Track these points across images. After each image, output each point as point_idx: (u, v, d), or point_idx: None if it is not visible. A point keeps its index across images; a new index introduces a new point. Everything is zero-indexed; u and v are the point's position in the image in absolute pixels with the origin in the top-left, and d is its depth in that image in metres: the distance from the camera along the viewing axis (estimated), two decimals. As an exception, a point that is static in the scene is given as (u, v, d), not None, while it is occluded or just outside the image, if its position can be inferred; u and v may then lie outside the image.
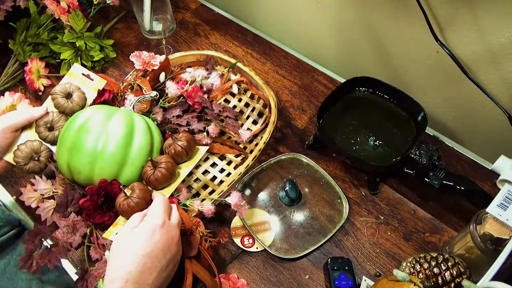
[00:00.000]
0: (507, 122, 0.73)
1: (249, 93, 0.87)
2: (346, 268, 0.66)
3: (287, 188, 0.73)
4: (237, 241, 0.71)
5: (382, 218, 0.74)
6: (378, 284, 0.58)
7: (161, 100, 0.75)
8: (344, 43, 0.94)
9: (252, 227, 0.71)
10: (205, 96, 0.77)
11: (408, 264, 0.62)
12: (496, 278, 0.52)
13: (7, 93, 0.87)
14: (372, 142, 0.76)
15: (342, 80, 0.90)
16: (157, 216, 0.53)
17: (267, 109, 0.83)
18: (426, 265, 0.60)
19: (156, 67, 0.79)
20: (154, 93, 0.72)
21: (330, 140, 0.75)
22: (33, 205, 0.62)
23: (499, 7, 0.65)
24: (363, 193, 0.77)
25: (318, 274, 0.68)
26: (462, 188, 0.68)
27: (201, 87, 0.78)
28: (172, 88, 0.73)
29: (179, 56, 0.85)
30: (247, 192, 0.75)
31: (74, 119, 0.62)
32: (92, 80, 0.72)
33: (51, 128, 0.67)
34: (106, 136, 0.60)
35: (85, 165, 0.60)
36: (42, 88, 0.91)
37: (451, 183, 0.69)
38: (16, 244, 0.65)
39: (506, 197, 0.58)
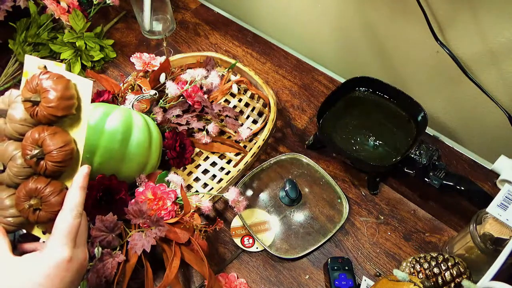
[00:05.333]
0: (507, 122, 0.73)
1: (249, 93, 0.87)
2: (346, 268, 0.66)
3: (287, 188, 0.73)
4: (237, 241, 0.71)
5: (382, 218, 0.74)
6: (378, 284, 0.58)
7: (161, 101, 0.75)
8: (344, 43, 0.94)
9: (252, 227, 0.71)
10: (205, 96, 0.77)
11: (408, 264, 0.62)
12: (496, 278, 0.52)
13: (7, 93, 0.87)
14: (372, 142, 0.76)
15: (342, 80, 0.90)
16: (60, 249, 0.42)
17: (267, 108, 0.83)
18: (426, 265, 0.60)
19: (156, 68, 0.79)
20: (153, 91, 0.72)
21: (330, 140, 0.75)
22: None
23: (499, 7, 0.65)
24: (363, 193, 0.77)
25: (318, 274, 0.68)
26: (462, 188, 0.68)
27: (201, 87, 0.78)
28: (172, 88, 0.73)
29: (179, 58, 0.85)
30: (248, 192, 0.75)
31: None
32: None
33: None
34: (104, 132, 0.60)
35: (84, 161, 0.60)
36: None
37: (451, 183, 0.69)
38: None
39: (506, 197, 0.58)
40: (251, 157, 0.75)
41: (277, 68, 0.96)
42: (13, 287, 0.40)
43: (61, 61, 0.92)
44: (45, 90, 0.41)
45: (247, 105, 0.87)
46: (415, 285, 0.51)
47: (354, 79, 0.79)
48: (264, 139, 0.76)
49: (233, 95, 0.88)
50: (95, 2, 0.95)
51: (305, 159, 0.79)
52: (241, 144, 0.80)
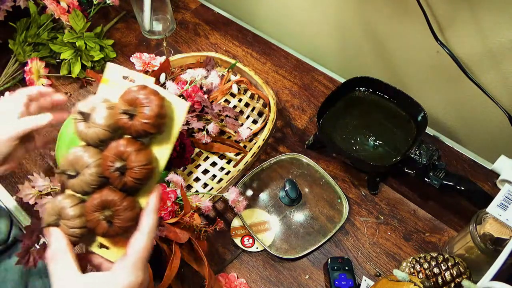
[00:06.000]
0: (507, 122, 0.73)
1: (249, 93, 0.87)
2: (346, 268, 0.66)
3: (287, 188, 0.73)
4: (237, 241, 0.71)
5: (382, 218, 0.74)
6: (378, 284, 0.58)
7: None
8: (344, 43, 0.94)
9: (252, 227, 0.71)
10: (205, 96, 0.77)
11: (408, 264, 0.62)
12: (496, 278, 0.52)
13: (7, 93, 0.87)
14: (372, 142, 0.76)
15: (342, 80, 0.90)
16: (135, 272, 0.42)
17: (267, 108, 0.83)
18: (426, 265, 0.60)
19: (156, 68, 0.79)
20: None
21: (330, 140, 0.75)
22: (31, 202, 0.62)
23: (499, 7, 0.65)
24: (363, 193, 0.77)
25: (318, 274, 0.68)
26: (462, 188, 0.68)
27: (201, 87, 0.78)
28: (172, 88, 0.73)
29: (179, 58, 0.85)
30: (248, 192, 0.75)
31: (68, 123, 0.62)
32: (134, 82, 0.46)
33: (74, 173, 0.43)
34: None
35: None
36: (42, 88, 0.91)
37: (451, 183, 0.69)
38: (3, 258, 0.64)
39: (506, 197, 0.58)
40: (251, 157, 0.75)
41: (277, 68, 0.96)
42: None
43: (61, 61, 0.92)
44: (142, 105, 0.40)
45: (247, 105, 0.87)
46: (415, 285, 0.51)
47: (354, 79, 0.79)
48: (264, 139, 0.76)
49: (233, 95, 0.88)
50: (95, 2, 0.95)
51: (305, 159, 0.79)
52: (241, 144, 0.80)
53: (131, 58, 0.80)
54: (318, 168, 0.78)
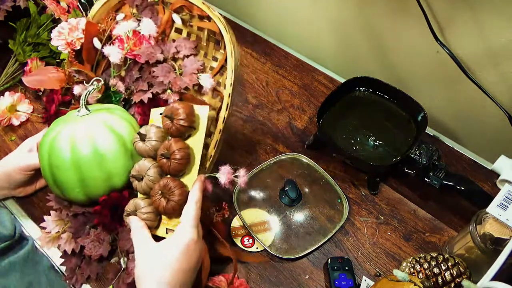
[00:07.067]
0: (507, 122, 0.73)
1: (196, 22, 0.69)
2: (346, 268, 0.66)
3: (287, 188, 0.73)
4: (237, 241, 0.71)
5: (382, 218, 0.74)
6: (378, 284, 0.58)
7: (112, 70, 0.68)
8: (344, 43, 0.94)
9: (252, 227, 0.71)
10: (152, 41, 0.67)
11: (408, 264, 0.62)
12: (496, 278, 0.52)
13: (7, 93, 0.88)
14: (372, 142, 0.76)
15: (342, 80, 0.90)
16: (189, 231, 0.54)
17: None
18: (426, 265, 0.60)
19: (83, 40, 0.68)
20: (97, 81, 0.66)
21: (330, 140, 0.75)
22: (54, 247, 0.65)
23: (499, 7, 0.65)
24: (363, 193, 0.77)
25: (318, 274, 0.68)
26: (462, 188, 0.68)
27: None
28: (113, 54, 0.64)
29: (99, 8, 0.71)
30: (248, 192, 0.75)
31: (42, 156, 0.62)
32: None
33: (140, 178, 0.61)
34: (74, 164, 0.60)
35: (77, 194, 0.62)
36: (42, 88, 0.91)
37: (451, 183, 0.69)
38: (7, 256, 0.64)
39: (506, 197, 0.58)
40: (227, 109, 0.63)
41: (277, 68, 0.96)
42: (160, 262, 0.52)
43: (61, 61, 0.91)
44: (177, 109, 0.58)
45: (200, 29, 0.69)
46: (415, 285, 0.51)
47: (354, 79, 0.79)
48: (231, 83, 0.62)
49: (179, 33, 0.71)
50: (94, 2, 0.94)
51: (305, 159, 0.79)
52: (209, 94, 0.67)
53: (52, 41, 0.69)
54: (318, 168, 0.78)
